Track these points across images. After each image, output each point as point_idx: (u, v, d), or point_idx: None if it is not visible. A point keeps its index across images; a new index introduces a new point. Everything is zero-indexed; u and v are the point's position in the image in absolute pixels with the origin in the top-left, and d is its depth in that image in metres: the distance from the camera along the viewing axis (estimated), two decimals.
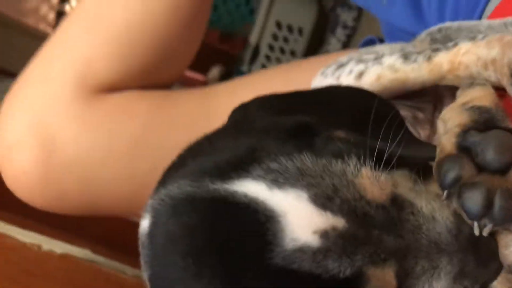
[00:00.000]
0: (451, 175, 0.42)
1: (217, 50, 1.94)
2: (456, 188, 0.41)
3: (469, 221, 0.41)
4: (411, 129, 0.58)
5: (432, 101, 0.66)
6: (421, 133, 0.63)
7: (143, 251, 0.44)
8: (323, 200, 0.39)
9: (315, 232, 0.39)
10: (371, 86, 0.62)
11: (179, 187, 0.42)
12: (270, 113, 0.49)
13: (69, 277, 0.96)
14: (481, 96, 0.50)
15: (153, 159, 0.73)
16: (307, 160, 0.41)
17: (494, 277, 0.41)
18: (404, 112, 0.64)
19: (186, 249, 0.40)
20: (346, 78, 0.64)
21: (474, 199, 0.40)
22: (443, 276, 0.41)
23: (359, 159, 0.42)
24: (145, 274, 0.45)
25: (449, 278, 0.41)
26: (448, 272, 0.41)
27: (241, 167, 0.41)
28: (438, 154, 0.45)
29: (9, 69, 1.36)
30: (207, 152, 0.45)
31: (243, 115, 0.51)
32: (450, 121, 0.48)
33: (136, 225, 0.47)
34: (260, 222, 0.39)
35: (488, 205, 0.40)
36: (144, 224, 0.44)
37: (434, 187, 0.45)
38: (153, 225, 0.43)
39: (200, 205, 0.41)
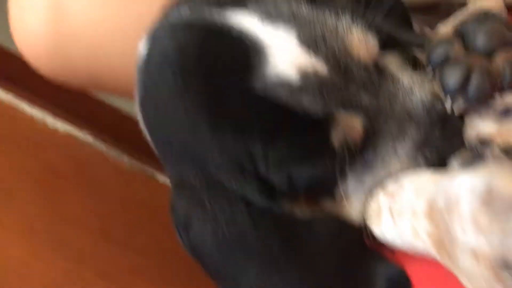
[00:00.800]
0: (439, 51, 0.43)
1: None
2: (441, 64, 0.43)
3: (444, 98, 0.43)
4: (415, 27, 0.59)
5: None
6: None
7: (138, 76, 0.47)
8: (310, 44, 0.42)
9: (296, 69, 0.41)
10: None
11: (178, 14, 0.45)
12: None
13: (72, 154, 1.00)
14: (489, 5, 0.51)
15: None
16: (303, 7, 0.43)
17: (455, 152, 0.42)
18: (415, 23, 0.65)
19: (177, 65, 0.43)
20: None
21: (453, 73, 0.42)
22: (407, 141, 0.43)
23: (353, 19, 0.43)
24: (137, 101, 0.48)
25: (412, 144, 0.43)
26: (413, 139, 0.43)
27: (239, 1, 0.43)
28: (434, 39, 0.46)
29: None
30: None
31: None
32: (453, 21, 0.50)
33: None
34: (248, 50, 0.41)
35: (465, 81, 0.41)
36: (142, 48, 0.47)
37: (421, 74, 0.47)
38: (151, 46, 0.46)
39: (196, 30, 0.43)
